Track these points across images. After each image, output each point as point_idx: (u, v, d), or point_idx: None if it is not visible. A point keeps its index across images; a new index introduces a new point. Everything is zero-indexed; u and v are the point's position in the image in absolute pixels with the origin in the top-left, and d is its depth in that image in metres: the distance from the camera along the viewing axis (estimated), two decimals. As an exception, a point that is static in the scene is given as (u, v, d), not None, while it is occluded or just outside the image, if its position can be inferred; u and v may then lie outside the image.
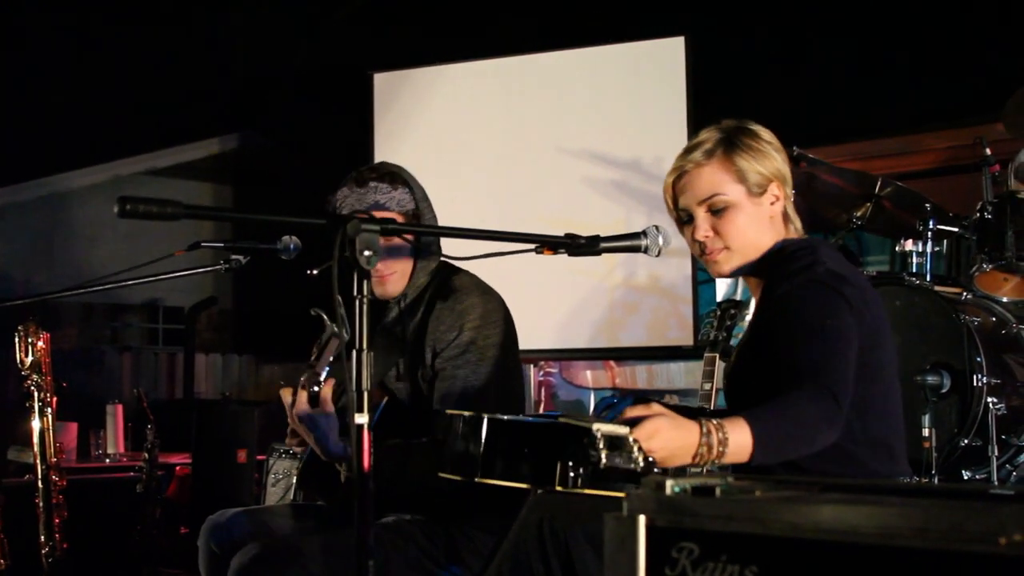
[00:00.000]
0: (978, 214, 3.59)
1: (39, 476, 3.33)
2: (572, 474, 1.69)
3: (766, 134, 2.27)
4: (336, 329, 2.16)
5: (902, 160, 5.34)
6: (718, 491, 1.22)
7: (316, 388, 2.27)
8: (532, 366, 5.19)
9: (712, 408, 3.09)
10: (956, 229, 3.71)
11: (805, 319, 2.06)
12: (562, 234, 2.11)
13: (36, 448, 3.31)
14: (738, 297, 3.45)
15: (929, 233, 3.65)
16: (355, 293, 1.72)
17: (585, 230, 2.15)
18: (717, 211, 2.21)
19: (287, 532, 2.61)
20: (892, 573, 1.04)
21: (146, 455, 4.25)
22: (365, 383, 1.69)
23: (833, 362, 2.01)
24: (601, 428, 1.70)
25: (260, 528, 2.57)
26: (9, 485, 4.12)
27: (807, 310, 2.07)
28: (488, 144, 5.02)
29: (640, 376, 5.29)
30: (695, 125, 4.54)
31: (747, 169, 2.20)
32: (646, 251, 2.15)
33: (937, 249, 3.72)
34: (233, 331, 8.32)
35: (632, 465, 1.68)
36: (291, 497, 3.68)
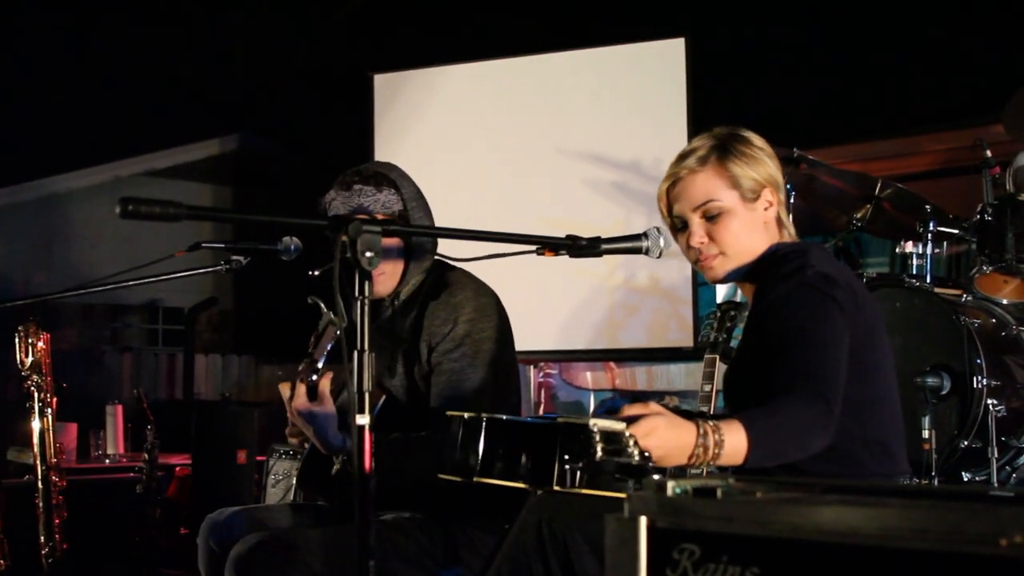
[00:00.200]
0: (978, 216, 3.59)
1: (39, 477, 3.32)
2: (569, 472, 1.70)
3: (758, 140, 2.29)
4: (333, 317, 2.17)
5: (902, 162, 5.35)
6: (719, 492, 1.22)
7: (314, 376, 2.28)
8: (532, 367, 5.19)
9: (712, 410, 3.10)
10: (956, 231, 3.71)
11: (795, 323, 2.08)
12: (563, 235, 2.11)
13: (36, 449, 3.31)
14: (738, 299, 3.44)
15: (929, 235, 3.65)
16: (356, 294, 1.72)
17: (585, 231, 2.16)
18: (712, 217, 2.23)
19: (286, 527, 2.62)
20: (892, 574, 1.05)
21: (146, 456, 4.25)
22: (367, 384, 1.69)
23: (823, 366, 2.02)
24: (598, 423, 1.71)
25: (259, 526, 2.57)
26: (9, 486, 4.12)
27: (797, 314, 2.09)
28: (489, 145, 5.03)
29: (640, 378, 5.29)
30: (695, 127, 4.55)
31: (741, 175, 2.22)
32: (647, 252, 2.15)
33: (937, 251, 3.72)
34: (233, 332, 8.33)
35: (627, 459, 1.68)
36: (291, 498, 3.68)
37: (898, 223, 3.95)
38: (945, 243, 3.89)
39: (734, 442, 1.85)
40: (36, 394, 3.27)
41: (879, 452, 2.18)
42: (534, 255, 2.15)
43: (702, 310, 4.67)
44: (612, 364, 5.30)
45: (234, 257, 2.79)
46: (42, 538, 3.32)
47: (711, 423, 1.86)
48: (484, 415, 1.85)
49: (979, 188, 3.78)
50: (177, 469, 4.90)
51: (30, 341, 3.25)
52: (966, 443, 3.31)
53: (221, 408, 5.02)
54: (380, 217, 2.54)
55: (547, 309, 4.82)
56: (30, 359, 3.26)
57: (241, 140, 8.37)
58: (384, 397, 2.60)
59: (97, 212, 7.68)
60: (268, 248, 2.65)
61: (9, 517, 3.60)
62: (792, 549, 1.10)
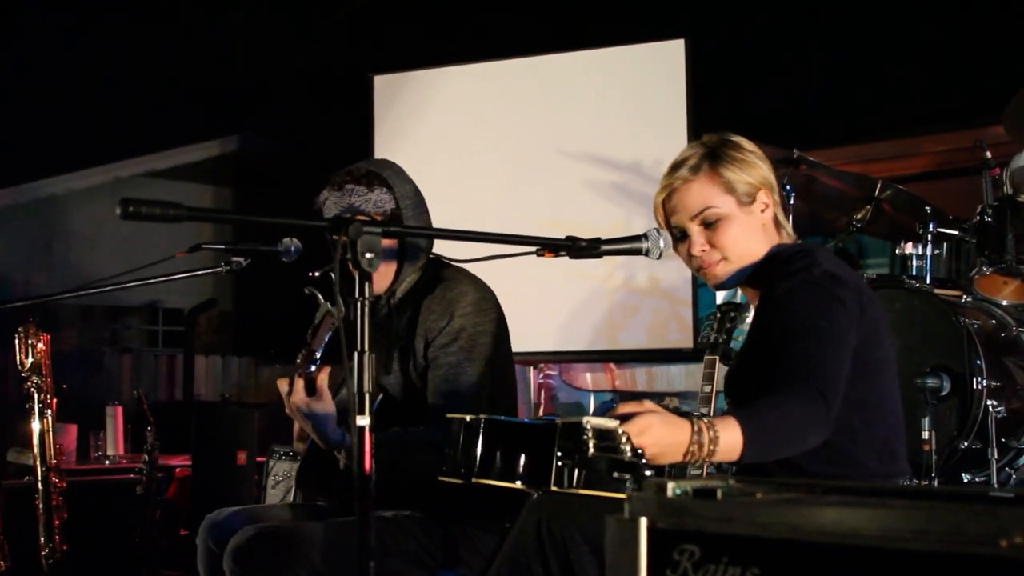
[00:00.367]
0: (978, 217, 3.59)
1: (39, 478, 3.32)
2: (565, 470, 1.71)
3: (748, 144, 2.30)
4: (330, 307, 2.17)
5: (902, 163, 5.35)
6: (719, 493, 1.22)
7: (312, 368, 2.28)
8: (532, 368, 5.18)
9: (712, 411, 3.10)
10: (956, 232, 3.71)
11: (799, 319, 2.09)
12: (563, 236, 2.11)
13: (36, 450, 3.31)
14: (738, 300, 3.43)
15: (929, 236, 3.65)
16: (356, 295, 1.73)
17: (585, 232, 2.16)
18: (710, 224, 2.24)
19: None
20: (893, 575, 1.05)
21: (146, 457, 4.25)
22: (367, 385, 1.69)
23: (824, 363, 2.03)
24: (591, 421, 1.72)
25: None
26: (9, 487, 4.12)
27: (801, 310, 2.10)
28: (488, 146, 5.02)
29: (640, 378, 5.29)
30: (695, 128, 4.54)
31: (734, 180, 2.24)
32: (647, 253, 2.16)
33: (937, 252, 3.72)
34: (233, 333, 8.32)
35: (620, 456, 1.69)
36: (291, 499, 3.68)
37: (898, 224, 3.95)
38: (945, 244, 3.89)
39: (729, 439, 1.87)
40: (36, 395, 3.28)
41: (881, 452, 2.18)
42: (534, 256, 2.15)
43: (702, 311, 4.66)
44: (612, 365, 5.30)
45: (234, 258, 2.79)
46: (42, 539, 3.32)
47: (705, 420, 1.87)
48: (483, 416, 1.86)
49: (979, 189, 3.78)
50: (177, 470, 4.90)
51: (30, 342, 3.26)
52: (966, 444, 3.31)
53: (221, 409, 5.01)
54: (373, 216, 2.55)
55: (547, 310, 4.82)
56: (30, 360, 3.26)
57: (241, 141, 8.37)
58: (380, 395, 2.60)
59: (97, 213, 7.67)
60: (268, 249, 2.65)
61: (9, 518, 3.60)
62: (792, 550, 1.10)
